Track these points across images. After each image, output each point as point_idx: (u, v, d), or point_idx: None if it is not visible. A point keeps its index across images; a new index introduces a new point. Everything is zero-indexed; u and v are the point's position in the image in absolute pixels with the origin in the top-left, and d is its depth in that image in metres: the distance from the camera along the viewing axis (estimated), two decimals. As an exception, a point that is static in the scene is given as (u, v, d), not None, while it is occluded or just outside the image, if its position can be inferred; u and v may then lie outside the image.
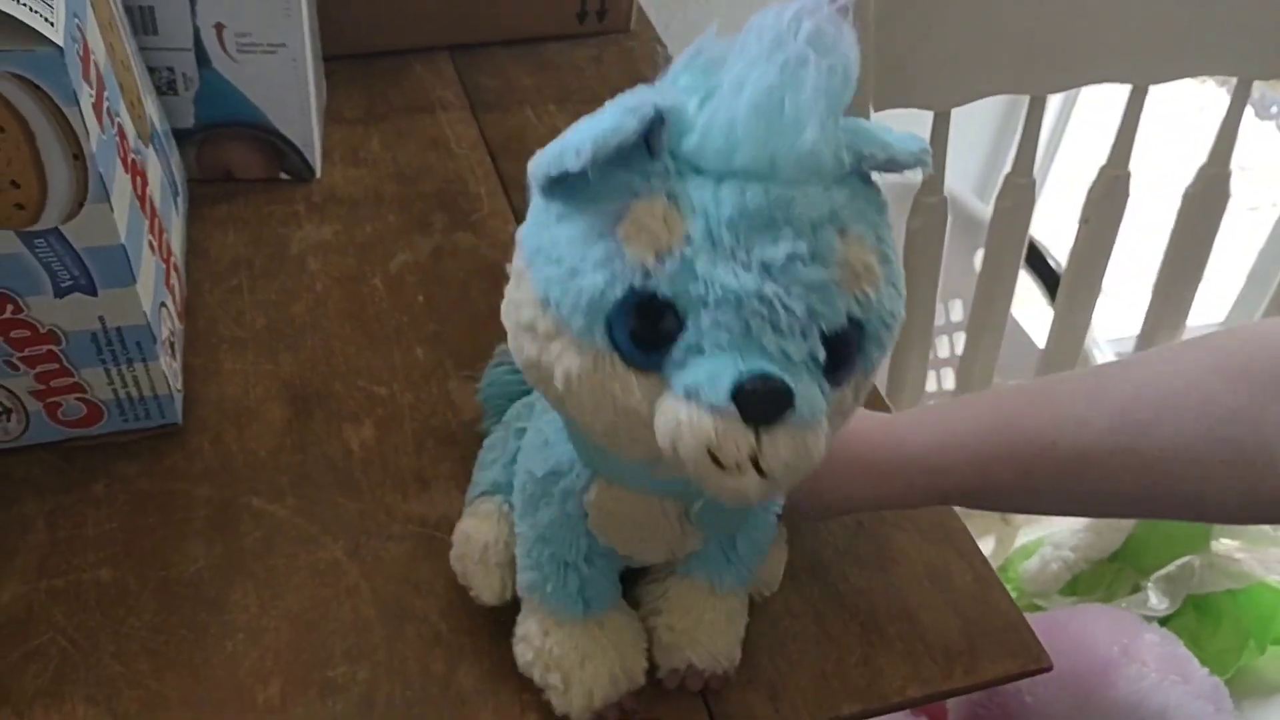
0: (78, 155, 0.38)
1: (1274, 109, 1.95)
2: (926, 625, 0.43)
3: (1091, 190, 0.78)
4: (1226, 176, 0.78)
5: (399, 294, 0.56)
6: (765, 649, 0.41)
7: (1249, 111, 0.75)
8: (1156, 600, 0.71)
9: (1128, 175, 0.77)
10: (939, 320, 1.00)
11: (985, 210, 0.87)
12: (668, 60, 0.28)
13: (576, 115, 0.27)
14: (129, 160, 0.44)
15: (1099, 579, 0.76)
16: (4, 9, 0.34)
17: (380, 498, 0.46)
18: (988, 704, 0.64)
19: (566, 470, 0.34)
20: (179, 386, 0.48)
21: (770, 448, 0.26)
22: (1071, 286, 0.83)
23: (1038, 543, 0.78)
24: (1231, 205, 0.79)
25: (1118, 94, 0.74)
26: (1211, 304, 1.01)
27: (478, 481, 0.42)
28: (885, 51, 0.65)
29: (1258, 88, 0.76)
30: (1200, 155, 0.78)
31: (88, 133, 0.37)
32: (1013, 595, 0.45)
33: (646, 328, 0.26)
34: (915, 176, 0.80)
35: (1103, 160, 0.77)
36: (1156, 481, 0.37)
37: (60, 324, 0.42)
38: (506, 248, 0.59)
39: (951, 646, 0.43)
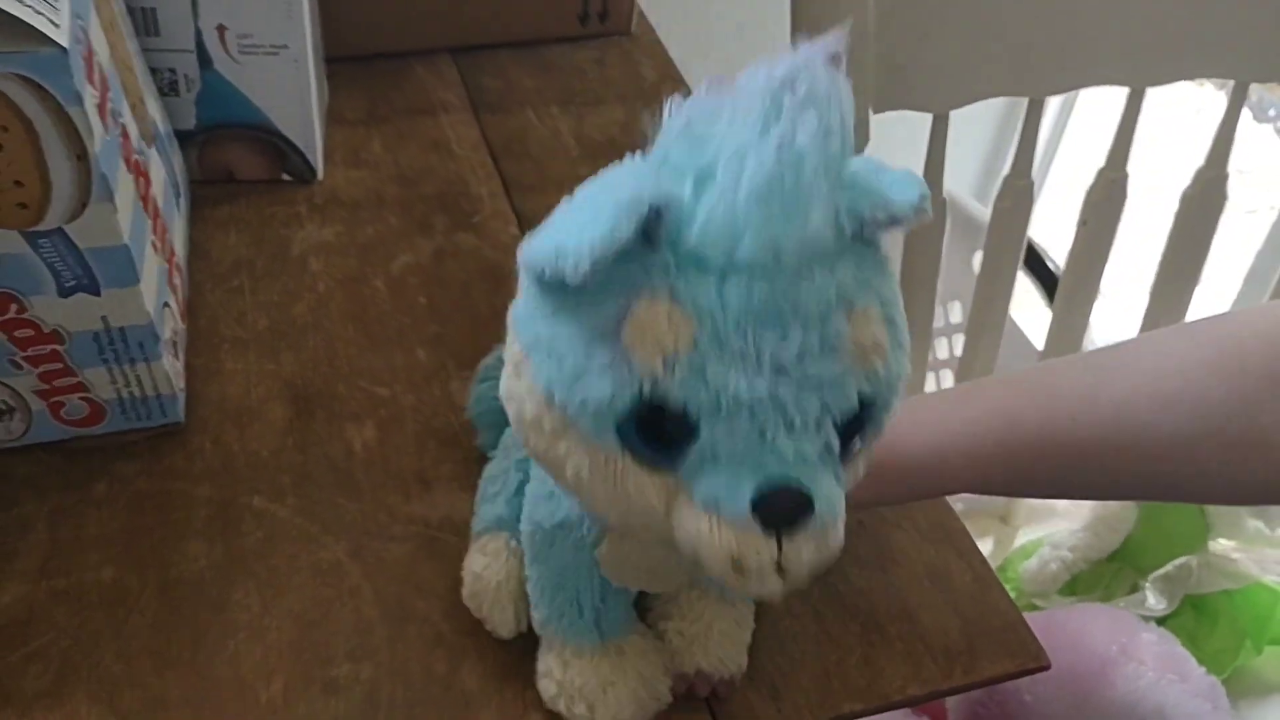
0: (81, 156, 0.38)
1: (1271, 112, 1.96)
2: (926, 625, 0.43)
3: (1090, 192, 0.78)
4: (1224, 179, 0.78)
5: (401, 295, 0.56)
6: (766, 649, 0.42)
7: (1246, 114, 0.75)
8: (1154, 600, 0.71)
9: (1126, 178, 0.77)
10: (938, 322, 1.00)
11: (984, 212, 0.88)
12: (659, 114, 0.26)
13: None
14: (132, 161, 0.44)
15: (1097, 579, 0.76)
16: (9, 10, 0.34)
17: (382, 498, 0.46)
18: (987, 703, 0.64)
19: (576, 523, 0.34)
20: (181, 386, 0.48)
21: (793, 552, 0.26)
22: (1070, 288, 0.83)
23: (1036, 543, 0.78)
24: (1229, 208, 0.80)
25: (1116, 96, 0.74)
26: (1209, 306, 1.01)
27: (482, 515, 0.41)
28: (884, 54, 0.65)
29: (1255, 91, 0.77)
30: (1198, 158, 0.78)
31: (91, 133, 0.37)
32: (1012, 595, 0.46)
33: (657, 430, 0.26)
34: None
35: (1101, 162, 0.77)
36: (1152, 474, 0.37)
37: (63, 324, 0.42)
38: (508, 249, 0.60)
39: (951, 646, 0.43)
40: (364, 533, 0.45)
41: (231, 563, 0.43)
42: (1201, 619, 0.72)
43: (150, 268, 0.44)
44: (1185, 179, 0.79)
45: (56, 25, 0.36)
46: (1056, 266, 0.97)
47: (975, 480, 0.40)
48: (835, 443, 0.26)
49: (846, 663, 0.42)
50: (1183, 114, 1.86)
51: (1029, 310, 0.98)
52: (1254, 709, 0.70)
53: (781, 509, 0.25)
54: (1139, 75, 0.72)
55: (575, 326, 0.26)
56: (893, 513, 0.48)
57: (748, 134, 0.24)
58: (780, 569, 0.26)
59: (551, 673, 0.38)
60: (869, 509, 0.47)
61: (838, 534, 0.27)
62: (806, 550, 0.26)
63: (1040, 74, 0.70)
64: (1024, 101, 0.72)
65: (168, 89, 0.57)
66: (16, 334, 0.42)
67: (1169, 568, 0.72)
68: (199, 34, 0.55)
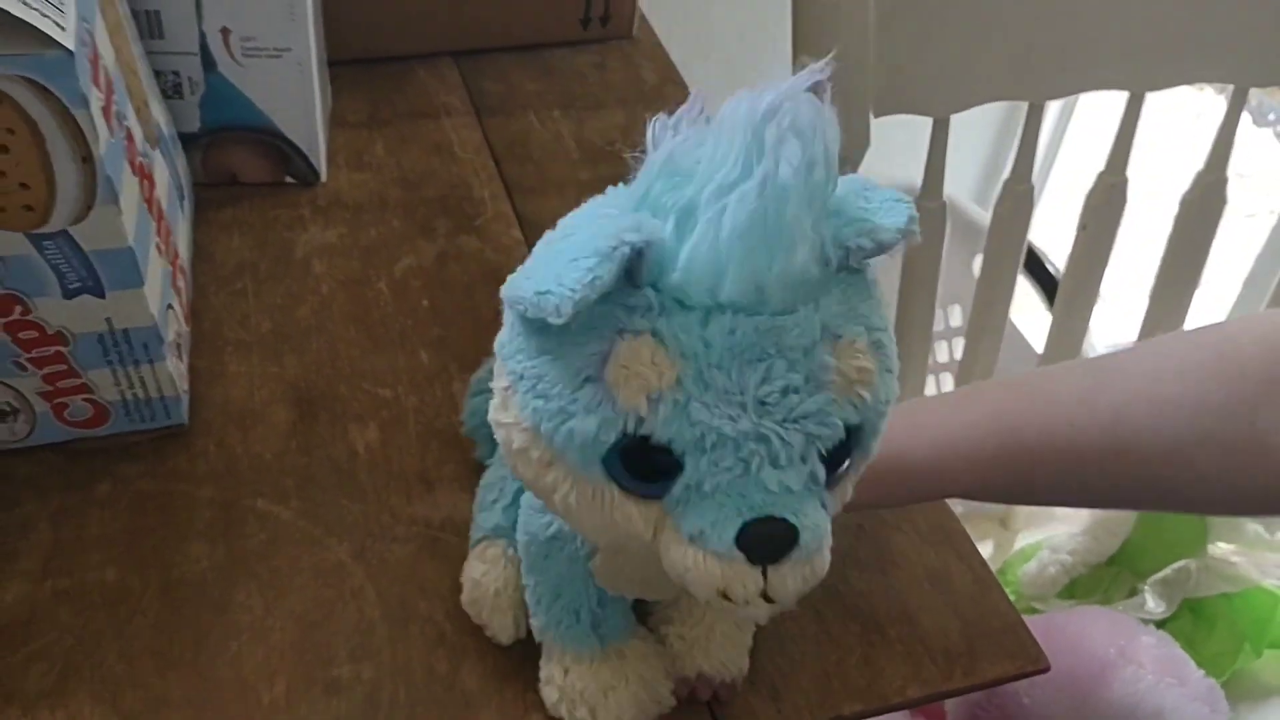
0: (86, 158, 0.38)
1: (1271, 116, 1.96)
2: (926, 627, 0.44)
3: (1090, 197, 0.79)
4: (1224, 183, 0.78)
5: (403, 298, 0.56)
6: (767, 650, 0.42)
7: (1246, 119, 0.76)
8: (1153, 603, 0.71)
9: (1125, 182, 0.77)
10: (938, 325, 1.00)
11: (984, 216, 0.88)
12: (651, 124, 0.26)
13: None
14: (136, 163, 0.44)
15: (1097, 582, 0.76)
16: (15, 13, 0.34)
17: (385, 499, 0.46)
18: (986, 705, 0.64)
19: (570, 537, 0.35)
20: (185, 388, 0.48)
21: (778, 582, 0.26)
22: (1070, 292, 0.84)
23: (1036, 546, 0.78)
24: (1229, 212, 0.80)
25: (1115, 101, 0.74)
26: (1208, 310, 1.02)
27: (479, 524, 0.42)
28: (885, 58, 0.65)
29: (1255, 95, 0.77)
30: (1197, 162, 0.79)
31: (96, 136, 0.38)
32: (1011, 599, 0.46)
33: (643, 464, 0.26)
34: (915, 181, 0.80)
35: (1101, 167, 0.78)
36: (1151, 479, 0.37)
37: (68, 325, 0.42)
38: (511, 252, 0.60)
39: (951, 648, 0.43)
40: (366, 534, 0.45)
41: (234, 564, 0.43)
42: (1200, 622, 0.72)
43: (154, 270, 0.45)
44: (1185, 183, 0.79)
45: (62, 28, 0.36)
46: (1056, 270, 0.97)
47: (975, 484, 0.40)
48: (821, 472, 0.26)
49: (847, 664, 0.42)
50: (1182, 118, 1.86)
51: (1029, 314, 0.98)
52: (1253, 712, 0.70)
53: (766, 542, 0.25)
54: (1139, 79, 0.72)
55: (559, 364, 0.26)
56: (893, 515, 0.48)
57: (730, 169, 0.24)
58: (766, 597, 0.26)
59: (553, 679, 0.38)
60: (869, 512, 0.47)
61: (823, 559, 0.27)
62: (792, 580, 0.26)
63: (1040, 78, 0.70)
64: (1024, 106, 0.73)
65: (172, 92, 0.57)
66: (21, 335, 0.42)
67: (1168, 571, 0.72)
68: (203, 37, 0.56)
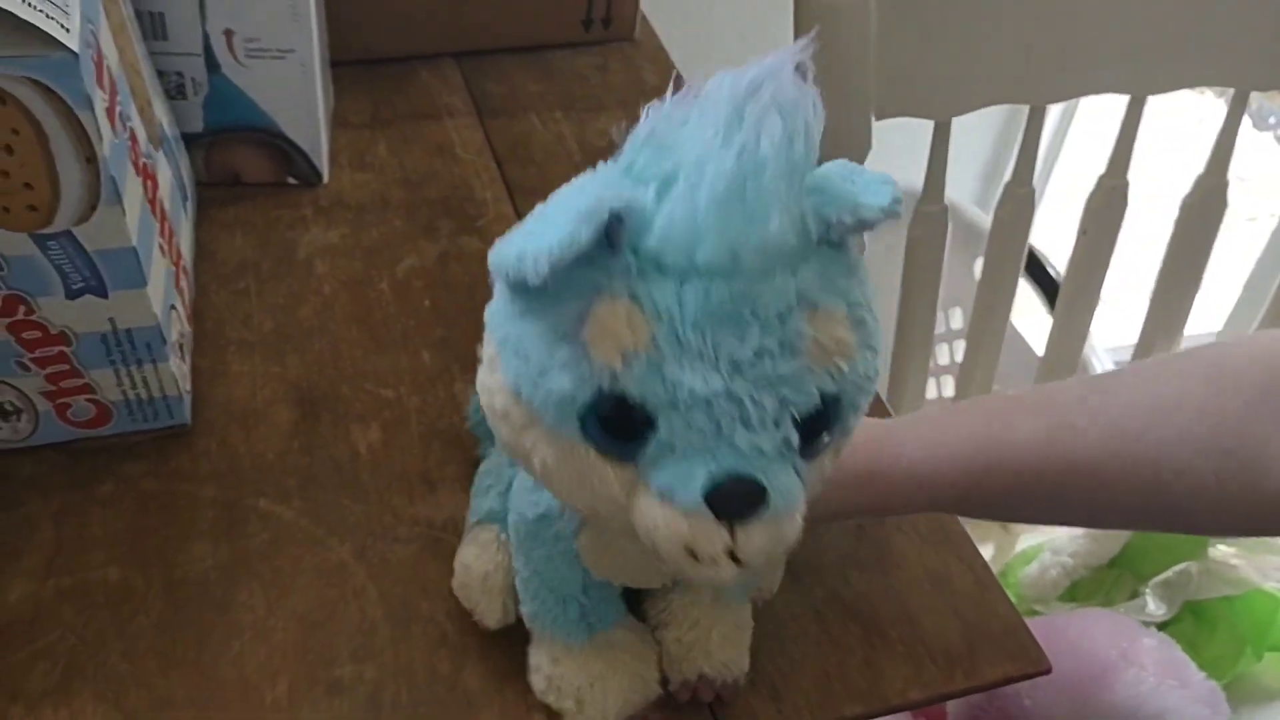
0: (90, 159, 0.38)
1: (1271, 120, 1.96)
2: (927, 628, 0.44)
3: (1090, 200, 0.79)
4: (1224, 187, 0.78)
5: (406, 298, 0.56)
6: (768, 651, 0.42)
7: (1246, 122, 0.76)
8: (1154, 606, 0.71)
9: (1126, 185, 0.77)
10: (939, 328, 1.00)
11: (985, 219, 0.88)
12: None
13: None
14: (140, 164, 0.44)
15: (1098, 585, 0.76)
16: (20, 15, 0.34)
17: (387, 500, 0.46)
18: (987, 707, 0.64)
19: (557, 515, 0.35)
20: (188, 388, 0.48)
21: (745, 541, 0.26)
22: (1070, 295, 0.84)
23: (1037, 549, 0.78)
24: (1229, 215, 0.80)
25: (1116, 104, 0.74)
26: (1209, 313, 1.02)
27: (475, 509, 0.42)
28: (886, 61, 0.65)
29: (1255, 99, 0.77)
30: (1198, 166, 0.79)
31: (100, 137, 0.38)
32: (1012, 601, 0.46)
33: (618, 423, 0.27)
34: (916, 184, 0.80)
35: (1101, 170, 0.78)
36: (1147, 492, 0.37)
37: (71, 325, 0.42)
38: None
39: (952, 649, 0.43)
40: (369, 534, 0.45)
41: (236, 564, 0.43)
42: (1201, 625, 0.72)
43: (157, 270, 0.45)
44: (1185, 187, 0.80)
45: (67, 30, 0.36)
46: (1057, 273, 0.97)
47: (971, 490, 0.40)
48: (794, 438, 0.27)
49: (847, 665, 0.42)
50: (1183, 122, 1.86)
51: (1030, 317, 0.98)
52: (1254, 715, 0.70)
53: (733, 498, 0.26)
54: (1140, 83, 0.72)
55: (540, 325, 0.27)
56: (893, 516, 0.48)
57: (710, 140, 0.25)
58: (734, 557, 0.26)
59: (541, 667, 0.39)
60: (868, 515, 0.47)
61: (794, 524, 0.27)
62: (759, 538, 0.26)
63: (1041, 81, 0.70)
64: (1025, 109, 0.73)
65: (175, 92, 0.57)
66: (24, 335, 0.42)
67: (1169, 574, 0.72)
68: (206, 38, 0.56)
